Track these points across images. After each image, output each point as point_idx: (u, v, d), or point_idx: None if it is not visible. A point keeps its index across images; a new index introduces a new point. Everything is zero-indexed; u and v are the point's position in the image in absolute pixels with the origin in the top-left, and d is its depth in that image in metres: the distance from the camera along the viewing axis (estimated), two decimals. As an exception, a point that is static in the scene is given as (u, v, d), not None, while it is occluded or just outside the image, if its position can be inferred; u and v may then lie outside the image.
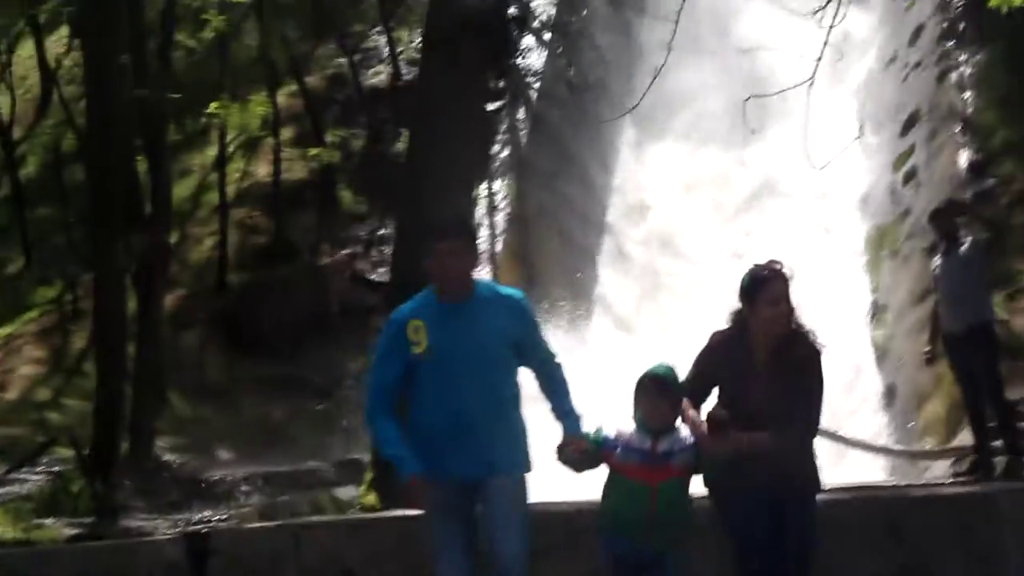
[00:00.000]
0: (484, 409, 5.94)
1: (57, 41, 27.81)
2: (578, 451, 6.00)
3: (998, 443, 10.77)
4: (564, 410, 6.12)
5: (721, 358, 6.16)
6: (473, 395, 5.93)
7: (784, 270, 6.23)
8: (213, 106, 20.68)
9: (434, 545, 6.05)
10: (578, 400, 6.20)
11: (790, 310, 6.12)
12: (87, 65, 16.27)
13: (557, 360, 6.22)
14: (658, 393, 5.98)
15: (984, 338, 10.55)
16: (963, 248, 10.75)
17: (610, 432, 6.07)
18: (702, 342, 6.24)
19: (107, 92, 15.33)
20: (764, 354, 6.08)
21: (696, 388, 6.13)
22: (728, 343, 6.20)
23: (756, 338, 6.12)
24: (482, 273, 19.40)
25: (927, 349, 11.37)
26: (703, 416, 6.03)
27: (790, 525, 6.01)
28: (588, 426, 6.11)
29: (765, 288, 6.16)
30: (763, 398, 5.93)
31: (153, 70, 19.12)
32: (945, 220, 11.05)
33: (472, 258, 6.17)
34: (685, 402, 6.04)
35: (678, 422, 6.05)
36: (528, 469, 6.08)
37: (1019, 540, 6.70)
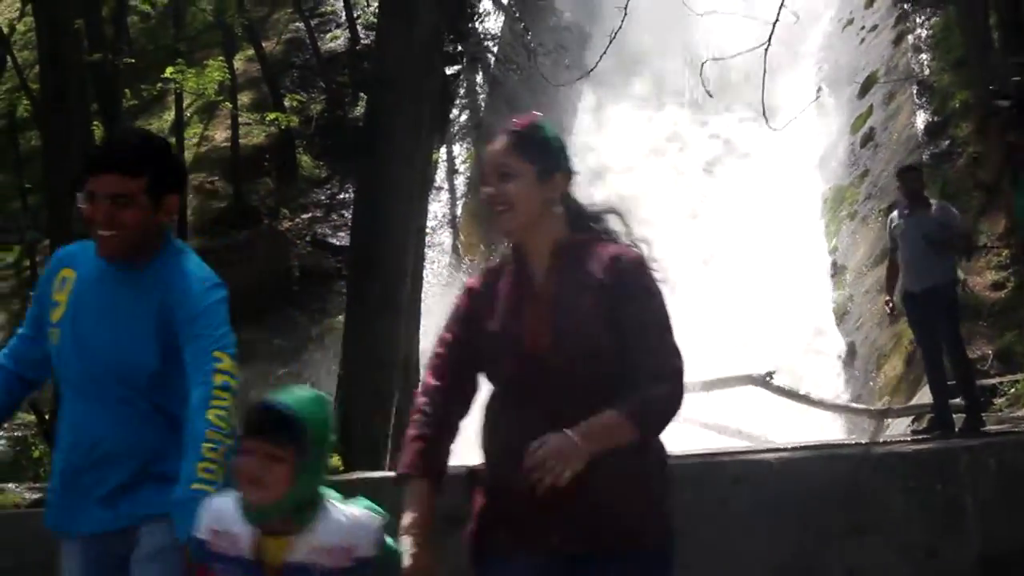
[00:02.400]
0: (123, 437, 3.95)
1: (10, 6, 27.52)
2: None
3: (957, 401, 10.89)
4: (181, 477, 3.78)
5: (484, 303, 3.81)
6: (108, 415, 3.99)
7: (525, 124, 3.85)
8: (169, 71, 20.52)
9: None
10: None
11: (523, 191, 3.70)
12: (40, 31, 16.13)
13: (217, 378, 3.92)
14: (261, 444, 3.37)
15: (946, 299, 10.65)
16: (934, 211, 10.85)
17: (206, 524, 3.50)
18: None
19: (61, 58, 15.20)
20: (544, 274, 3.74)
21: (452, 391, 3.79)
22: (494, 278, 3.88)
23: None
24: (443, 237, 19.51)
25: (887, 300, 11.42)
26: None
27: None
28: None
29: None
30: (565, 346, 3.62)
31: (108, 35, 18.96)
32: (913, 179, 11.10)
33: (144, 207, 4.02)
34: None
35: (338, 504, 3.50)
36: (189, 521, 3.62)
37: (977, 498, 6.77)
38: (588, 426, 3.44)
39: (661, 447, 3.76)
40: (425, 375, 3.87)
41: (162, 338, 3.96)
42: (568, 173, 3.82)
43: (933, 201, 11.18)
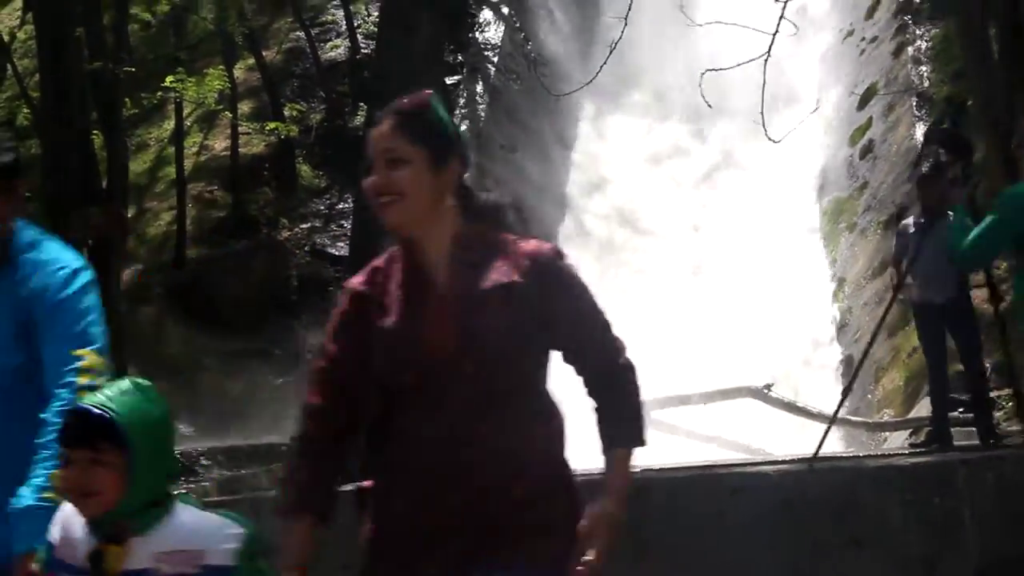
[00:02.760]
0: None
1: (10, 14, 27.53)
2: None
3: (953, 414, 10.84)
4: (31, 484, 3.53)
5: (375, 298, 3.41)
6: None
7: (414, 104, 3.44)
8: (169, 80, 20.53)
9: None
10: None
11: (415, 179, 3.33)
12: (41, 39, 16.16)
13: (80, 378, 3.60)
14: (82, 453, 3.11)
15: (968, 309, 10.53)
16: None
17: (55, 532, 3.28)
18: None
19: (62, 66, 15.22)
20: (445, 271, 3.37)
21: (337, 411, 3.41)
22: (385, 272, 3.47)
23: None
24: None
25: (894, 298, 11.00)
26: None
27: None
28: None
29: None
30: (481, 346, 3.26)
31: (108, 43, 18.97)
32: (934, 190, 10.60)
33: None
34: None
35: (186, 508, 3.25)
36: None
37: (975, 511, 6.76)
38: (617, 489, 3.29)
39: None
40: (307, 393, 3.44)
41: (24, 337, 3.68)
42: (463, 159, 3.45)
43: (951, 211, 10.99)
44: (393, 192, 3.32)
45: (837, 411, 8.83)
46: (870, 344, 10.62)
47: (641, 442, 3.36)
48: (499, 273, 3.33)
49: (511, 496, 3.23)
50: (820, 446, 7.57)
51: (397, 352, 3.30)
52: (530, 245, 3.40)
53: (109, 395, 3.15)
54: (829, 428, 8.00)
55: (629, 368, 3.40)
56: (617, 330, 3.43)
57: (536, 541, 3.25)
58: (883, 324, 10.82)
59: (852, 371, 14.94)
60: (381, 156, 3.35)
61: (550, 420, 3.39)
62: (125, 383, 3.21)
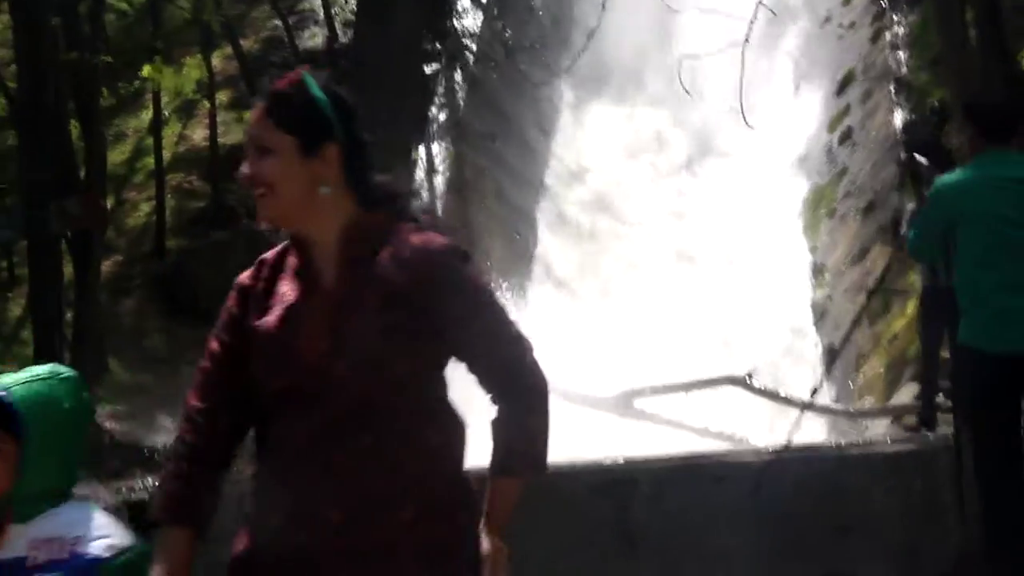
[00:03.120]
0: None
1: (-14, 4, 27.38)
2: None
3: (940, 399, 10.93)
4: None
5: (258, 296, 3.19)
6: None
7: (283, 86, 3.13)
8: (147, 69, 20.43)
9: None
10: None
11: (282, 170, 3.05)
12: (16, 29, 16.07)
13: None
14: None
15: None
16: None
17: None
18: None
19: (38, 56, 15.15)
20: (333, 267, 3.09)
21: (219, 414, 3.13)
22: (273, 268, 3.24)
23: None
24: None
25: None
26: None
27: None
28: None
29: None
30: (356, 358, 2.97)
31: (85, 33, 18.87)
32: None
33: None
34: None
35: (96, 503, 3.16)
36: None
37: (958, 497, 6.77)
38: (499, 523, 3.01)
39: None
40: (188, 394, 3.17)
41: None
42: (348, 143, 3.10)
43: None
44: (261, 184, 3.04)
45: (812, 395, 8.85)
46: (849, 333, 10.66)
47: (533, 471, 3.02)
48: (382, 270, 3.00)
49: (397, 514, 2.91)
50: (792, 433, 7.58)
51: (269, 354, 3.02)
52: (421, 239, 3.04)
53: (12, 381, 3.04)
54: (802, 414, 8.01)
55: (531, 383, 3.03)
56: (522, 338, 3.06)
57: (429, 567, 2.94)
58: (863, 312, 10.85)
59: (833, 359, 15.03)
60: (250, 144, 3.07)
61: (444, 432, 3.04)
62: (41, 369, 3.10)
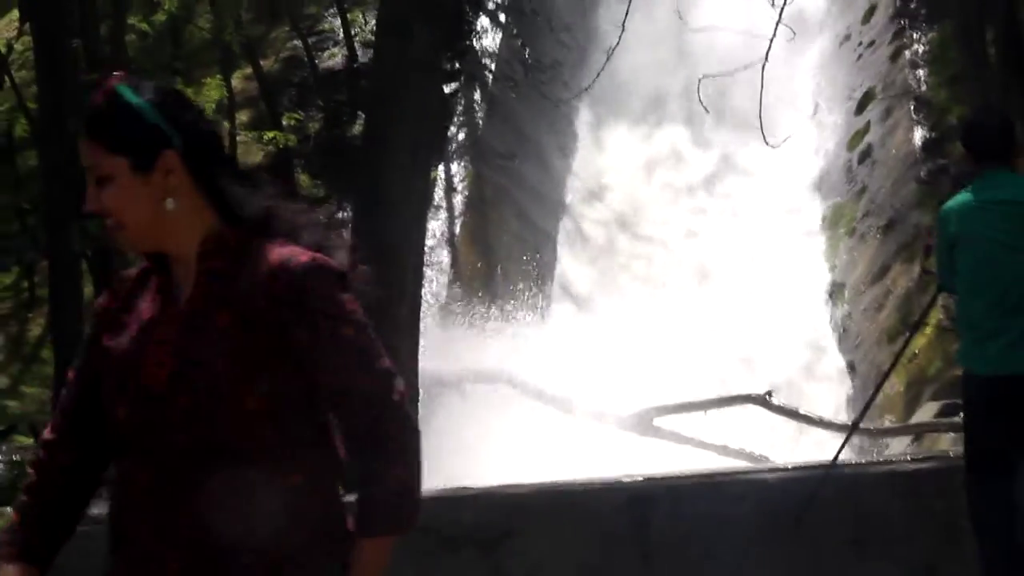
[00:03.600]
0: None
1: (7, 25, 27.53)
2: None
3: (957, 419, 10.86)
4: None
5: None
6: None
7: (98, 101, 2.77)
8: (167, 90, 20.51)
9: None
10: None
11: (121, 197, 2.71)
12: (38, 49, 16.13)
13: None
14: None
15: None
16: None
17: None
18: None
19: (59, 77, 15.21)
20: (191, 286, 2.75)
21: (71, 445, 2.84)
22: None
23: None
24: (441, 256, 19.47)
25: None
26: None
27: None
28: None
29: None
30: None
31: (105, 54, 18.97)
32: None
33: None
34: None
35: None
36: None
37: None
38: None
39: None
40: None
41: None
42: (188, 145, 2.72)
43: None
44: (107, 216, 2.70)
45: (859, 420, 8.78)
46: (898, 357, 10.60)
47: (400, 528, 2.63)
48: (237, 287, 2.65)
49: (243, 563, 2.58)
50: (839, 453, 7.54)
51: (113, 378, 2.71)
52: (283, 253, 2.68)
53: None
54: (849, 436, 7.98)
55: (391, 430, 2.61)
56: (391, 375, 2.67)
57: None
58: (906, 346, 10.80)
59: (853, 377, 14.96)
60: (89, 175, 2.73)
61: (308, 471, 2.67)
62: None
